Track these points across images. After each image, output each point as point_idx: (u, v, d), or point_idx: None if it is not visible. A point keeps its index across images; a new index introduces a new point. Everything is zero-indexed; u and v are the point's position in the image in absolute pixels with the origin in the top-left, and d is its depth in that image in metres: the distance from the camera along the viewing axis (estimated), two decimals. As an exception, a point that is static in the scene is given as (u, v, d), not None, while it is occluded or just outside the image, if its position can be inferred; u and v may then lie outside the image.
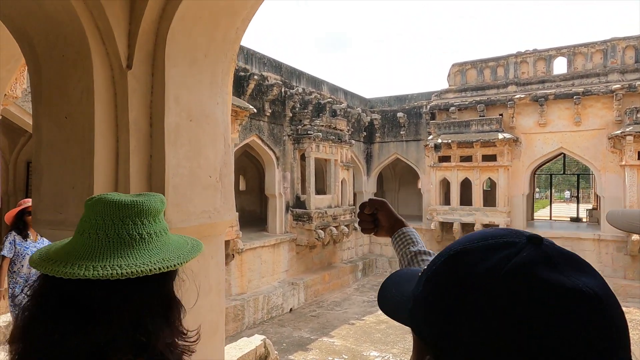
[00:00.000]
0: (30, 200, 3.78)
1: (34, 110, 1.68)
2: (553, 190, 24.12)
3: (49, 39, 1.54)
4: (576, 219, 15.66)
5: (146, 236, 0.74)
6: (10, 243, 3.62)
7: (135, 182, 1.52)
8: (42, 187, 1.64)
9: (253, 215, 14.56)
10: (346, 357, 7.58)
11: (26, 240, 3.70)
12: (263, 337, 2.91)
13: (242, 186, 14.86)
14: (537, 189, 23.53)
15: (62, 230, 1.58)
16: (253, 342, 2.79)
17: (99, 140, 1.49)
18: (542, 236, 0.48)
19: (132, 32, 1.50)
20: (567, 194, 40.42)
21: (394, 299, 0.56)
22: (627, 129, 10.61)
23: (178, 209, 1.58)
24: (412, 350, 0.57)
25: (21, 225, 3.56)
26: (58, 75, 1.56)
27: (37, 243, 3.77)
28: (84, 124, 1.51)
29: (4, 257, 3.64)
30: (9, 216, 3.57)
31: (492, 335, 0.42)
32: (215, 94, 1.77)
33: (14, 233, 3.65)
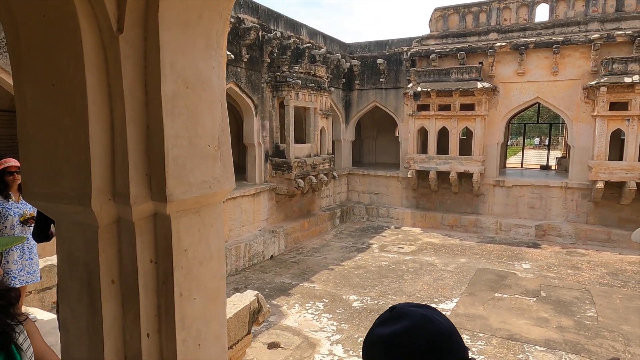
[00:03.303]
0: (11, 160, 3.62)
1: (14, 76, 1.55)
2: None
3: (26, -4, 1.40)
4: (546, 167, 16.26)
5: None
6: None
7: (133, 155, 1.47)
8: (32, 159, 1.56)
9: (231, 163, 14.44)
10: (327, 300, 7.95)
11: (8, 201, 3.58)
12: (256, 292, 3.01)
13: (219, 134, 14.58)
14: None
15: (57, 203, 1.53)
16: (247, 297, 2.88)
17: (93, 110, 1.41)
18: (398, 305, 0.83)
19: (121, -9, 1.37)
20: (536, 140, 41.65)
21: None
22: (602, 80, 10.79)
23: (179, 181, 1.55)
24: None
25: (2, 186, 3.43)
26: (40, 39, 1.43)
27: (19, 204, 3.65)
28: (74, 92, 1.42)
29: None
30: None
31: None
32: (211, 57, 1.68)
33: None
